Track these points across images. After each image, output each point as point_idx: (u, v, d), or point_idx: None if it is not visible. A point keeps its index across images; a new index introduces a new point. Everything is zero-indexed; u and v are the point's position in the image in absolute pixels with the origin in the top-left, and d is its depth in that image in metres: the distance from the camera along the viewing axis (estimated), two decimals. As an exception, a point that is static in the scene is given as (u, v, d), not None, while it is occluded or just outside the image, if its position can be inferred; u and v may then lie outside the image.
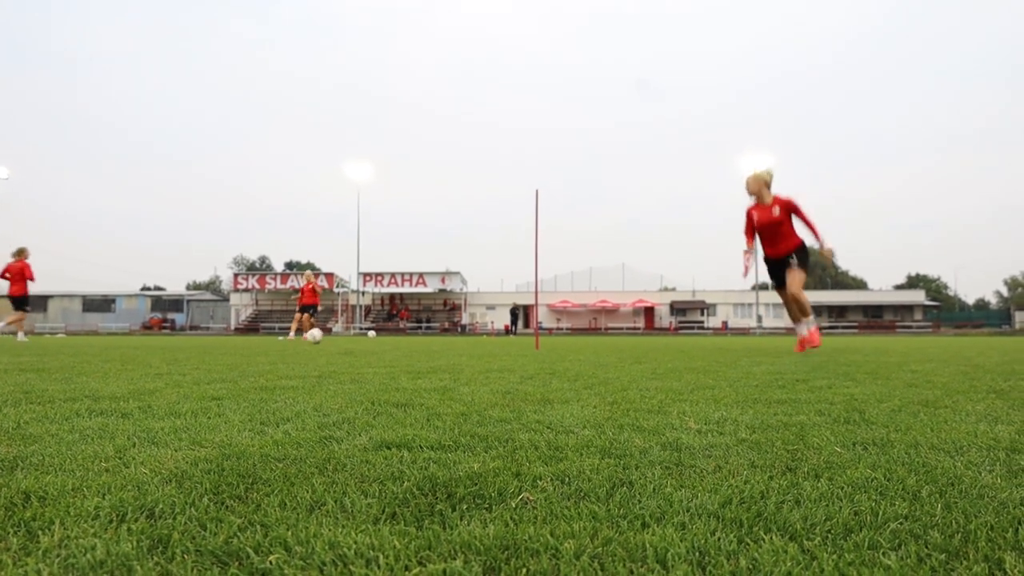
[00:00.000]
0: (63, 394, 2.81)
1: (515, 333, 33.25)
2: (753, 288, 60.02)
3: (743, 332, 53.73)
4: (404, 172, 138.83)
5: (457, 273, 57.50)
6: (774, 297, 61.41)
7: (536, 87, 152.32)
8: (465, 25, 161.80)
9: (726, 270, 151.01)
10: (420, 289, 57.08)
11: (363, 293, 57.25)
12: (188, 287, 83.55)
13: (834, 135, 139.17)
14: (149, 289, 79.27)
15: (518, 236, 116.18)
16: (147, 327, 58.86)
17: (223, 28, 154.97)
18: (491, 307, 58.54)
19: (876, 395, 2.89)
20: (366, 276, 56.55)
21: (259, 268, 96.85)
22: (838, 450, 1.60)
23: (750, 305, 58.15)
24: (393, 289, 57.26)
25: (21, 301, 14.78)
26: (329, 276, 57.46)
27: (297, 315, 18.09)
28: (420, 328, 55.08)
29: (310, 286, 17.17)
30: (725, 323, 57.62)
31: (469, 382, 3.52)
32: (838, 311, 61.28)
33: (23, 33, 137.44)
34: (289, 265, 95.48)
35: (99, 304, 61.40)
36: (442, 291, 57.94)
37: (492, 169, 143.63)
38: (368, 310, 59.08)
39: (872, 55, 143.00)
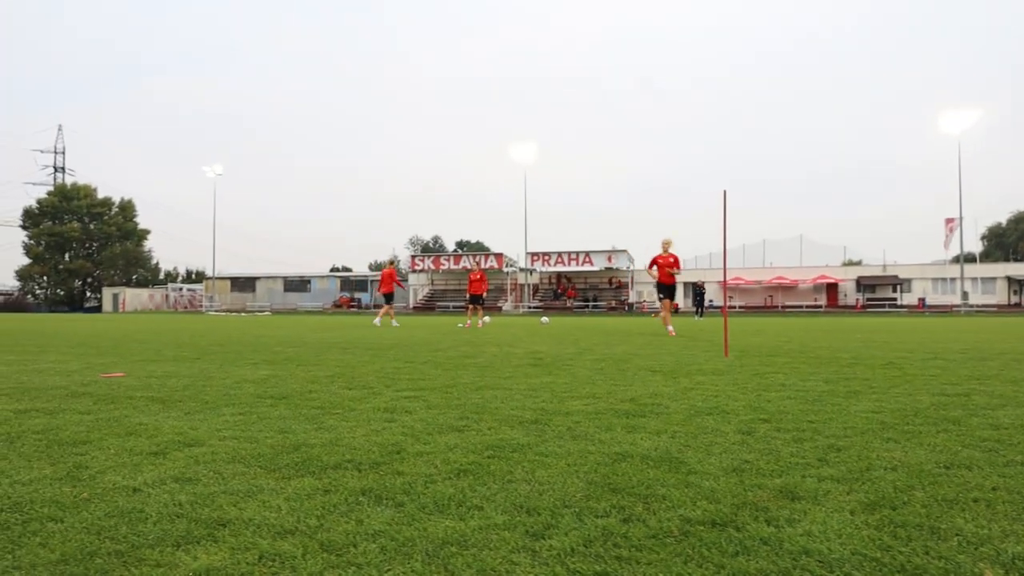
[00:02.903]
0: (331, 459, 3.09)
1: (701, 315, 32.49)
2: (956, 260, 54.04)
3: (943, 310, 48.57)
4: (567, 151, 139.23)
5: (624, 251, 57.08)
6: (980, 271, 54.72)
7: (679, 46, 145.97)
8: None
9: (922, 240, 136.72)
10: (586, 268, 57.36)
11: (531, 272, 58.52)
12: (371, 267, 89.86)
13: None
14: (338, 270, 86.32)
15: (685, 211, 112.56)
16: (337, 306, 64.29)
17: (403, 39, 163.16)
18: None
19: None
20: (533, 256, 57.74)
21: (432, 248, 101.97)
22: None
23: (953, 280, 52.34)
24: (560, 268, 58.03)
25: (388, 297, 20.78)
26: (499, 256, 59.34)
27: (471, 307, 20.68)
28: (587, 307, 55.37)
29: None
30: (922, 300, 52.41)
31: (688, 440, 3.45)
32: (1065, 285, 53.49)
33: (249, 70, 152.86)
34: (460, 245, 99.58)
35: (297, 285, 68.12)
36: (608, 269, 57.84)
37: (657, 140, 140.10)
38: (536, 289, 60.32)
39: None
